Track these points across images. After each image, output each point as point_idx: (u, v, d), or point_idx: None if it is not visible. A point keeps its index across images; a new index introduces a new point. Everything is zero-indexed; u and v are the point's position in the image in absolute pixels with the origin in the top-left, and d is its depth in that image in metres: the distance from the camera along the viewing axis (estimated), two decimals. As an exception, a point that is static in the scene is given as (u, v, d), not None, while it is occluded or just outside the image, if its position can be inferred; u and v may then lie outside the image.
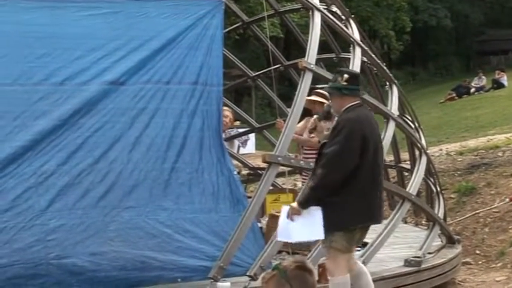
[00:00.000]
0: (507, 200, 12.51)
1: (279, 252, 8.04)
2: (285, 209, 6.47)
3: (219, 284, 7.04)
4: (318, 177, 6.25)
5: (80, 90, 7.42)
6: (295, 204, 6.40)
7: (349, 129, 6.25)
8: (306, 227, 6.31)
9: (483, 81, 31.99)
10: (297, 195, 8.06)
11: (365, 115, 6.49)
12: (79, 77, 7.45)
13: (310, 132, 7.17)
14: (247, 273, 7.10)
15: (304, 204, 6.35)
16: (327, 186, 6.24)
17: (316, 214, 6.28)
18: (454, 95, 30.89)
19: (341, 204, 6.26)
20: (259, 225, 8.87)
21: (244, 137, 18.77)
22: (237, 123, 17.00)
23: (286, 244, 7.87)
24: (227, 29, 11.14)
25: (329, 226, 6.23)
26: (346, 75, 6.48)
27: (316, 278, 4.07)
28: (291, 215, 6.35)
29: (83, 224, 7.18)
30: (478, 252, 11.67)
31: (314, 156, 8.17)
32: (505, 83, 30.53)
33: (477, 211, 12.52)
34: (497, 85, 30.53)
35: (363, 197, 6.30)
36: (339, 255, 6.43)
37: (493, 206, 12.62)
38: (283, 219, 6.43)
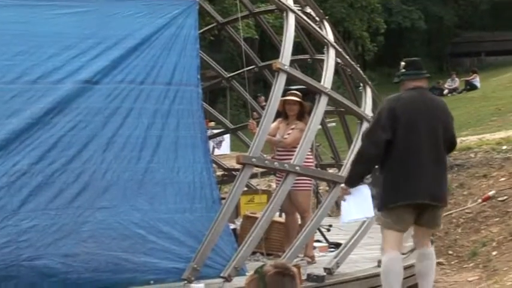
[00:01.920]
0: (479, 200, 12.61)
1: (253, 253, 8.04)
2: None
3: (193, 285, 7.02)
4: (355, 156, 6.68)
5: (53, 88, 7.37)
6: (343, 185, 6.66)
7: (380, 108, 6.71)
8: (355, 205, 6.59)
9: (456, 82, 32.22)
10: (271, 196, 8.06)
11: (410, 96, 6.70)
12: (52, 76, 7.41)
13: None
14: (221, 275, 7.09)
15: (348, 181, 6.65)
16: (363, 160, 6.54)
17: (364, 192, 6.54)
18: (428, 96, 31.08)
19: (381, 182, 6.50)
20: (234, 226, 8.86)
21: (219, 138, 18.75)
22: (212, 124, 16.99)
23: (259, 245, 7.87)
24: (202, 30, 11.11)
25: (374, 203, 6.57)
26: (402, 63, 6.92)
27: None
28: (341, 195, 6.68)
29: (55, 224, 7.11)
30: (450, 252, 11.75)
31: (287, 157, 8.20)
32: (478, 84, 30.76)
33: (450, 212, 12.60)
34: (470, 86, 30.76)
35: (399, 175, 6.42)
36: (384, 232, 6.61)
37: (465, 207, 12.71)
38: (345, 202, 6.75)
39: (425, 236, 6.84)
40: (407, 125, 6.47)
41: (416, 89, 6.75)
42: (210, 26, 13.27)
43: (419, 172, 6.47)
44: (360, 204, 6.60)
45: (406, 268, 8.45)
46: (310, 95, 8.79)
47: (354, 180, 6.63)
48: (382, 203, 6.50)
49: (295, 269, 3.88)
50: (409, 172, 6.46)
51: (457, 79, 32.52)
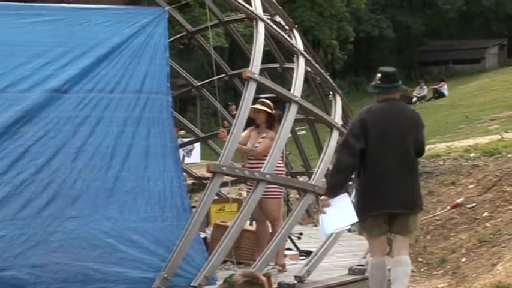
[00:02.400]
0: (448, 208, 12.71)
1: (224, 262, 8.02)
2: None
3: (163, 294, 6.99)
4: (332, 165, 6.94)
5: (22, 97, 7.31)
6: (323, 197, 6.80)
7: (353, 120, 7.06)
8: (337, 214, 6.70)
9: (424, 90, 32.48)
10: (241, 205, 8.05)
11: (380, 107, 6.91)
12: (21, 84, 7.36)
13: None
14: (192, 284, 7.06)
15: (328, 191, 6.81)
16: (341, 169, 6.76)
17: (343, 200, 6.69)
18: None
19: (358, 193, 6.88)
20: (204, 235, 8.84)
21: (189, 147, 18.70)
22: (182, 132, 16.97)
23: (230, 254, 7.85)
24: (171, 39, 11.10)
25: None
26: (378, 75, 6.96)
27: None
28: (321, 207, 6.78)
29: (24, 235, 7.05)
30: (420, 259, 11.81)
31: (258, 165, 8.19)
32: (446, 92, 31.05)
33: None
34: (438, 94, 31.04)
35: (370, 185, 6.73)
36: (367, 239, 7.05)
37: (434, 214, 12.80)
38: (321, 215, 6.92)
39: (401, 243, 6.99)
40: (377, 136, 6.70)
41: (389, 101, 6.93)
42: (179, 35, 13.28)
43: (389, 182, 6.70)
44: (341, 212, 6.73)
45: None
46: (280, 103, 8.80)
47: (333, 191, 6.78)
48: (357, 212, 6.75)
49: (263, 278, 3.90)
50: (379, 182, 6.70)
51: (425, 87, 32.80)
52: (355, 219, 6.73)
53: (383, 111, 6.86)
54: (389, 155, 6.71)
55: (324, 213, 6.78)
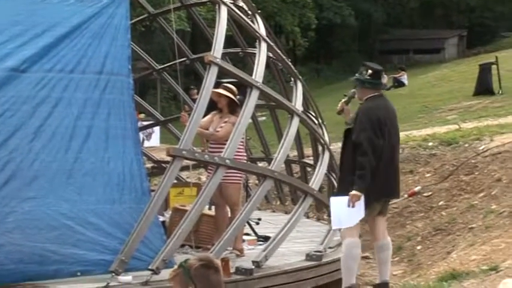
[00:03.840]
0: (405, 196, 12.84)
1: (182, 245, 8.02)
2: (334, 200, 7.42)
3: (120, 277, 6.96)
4: (363, 163, 7.07)
5: (-22, 76, 7.18)
6: (354, 192, 7.07)
7: (369, 117, 7.23)
8: (346, 213, 7.16)
9: (385, 79, 32.65)
10: (201, 189, 8.04)
11: (382, 104, 7.46)
12: (-22, 63, 7.22)
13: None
14: (149, 267, 7.05)
15: (363, 189, 7.10)
16: (369, 170, 7.08)
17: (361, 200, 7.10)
18: (357, 92, 31.44)
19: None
20: (163, 218, 8.82)
21: (148, 130, 18.64)
22: (142, 116, 16.87)
23: (189, 238, 7.85)
24: (133, 21, 10.99)
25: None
26: (370, 71, 7.42)
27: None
28: (354, 202, 7.09)
29: (-21, 215, 6.96)
30: (376, 246, 11.90)
31: (219, 150, 8.19)
32: (406, 81, 31.27)
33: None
34: (398, 84, 31.23)
35: (380, 175, 7.16)
36: None
37: (392, 202, 12.91)
38: (335, 209, 7.36)
39: (384, 225, 7.67)
40: (388, 132, 7.28)
41: (381, 97, 7.50)
42: (141, 17, 13.17)
43: (392, 172, 7.39)
44: (351, 212, 7.11)
45: (332, 262, 8.58)
46: (243, 88, 8.79)
47: (364, 187, 7.11)
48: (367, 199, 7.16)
49: (218, 262, 3.91)
50: (389, 172, 7.31)
51: (385, 76, 32.88)
52: (363, 214, 7.16)
53: (386, 107, 7.46)
54: (393, 148, 7.41)
55: (354, 207, 7.11)
